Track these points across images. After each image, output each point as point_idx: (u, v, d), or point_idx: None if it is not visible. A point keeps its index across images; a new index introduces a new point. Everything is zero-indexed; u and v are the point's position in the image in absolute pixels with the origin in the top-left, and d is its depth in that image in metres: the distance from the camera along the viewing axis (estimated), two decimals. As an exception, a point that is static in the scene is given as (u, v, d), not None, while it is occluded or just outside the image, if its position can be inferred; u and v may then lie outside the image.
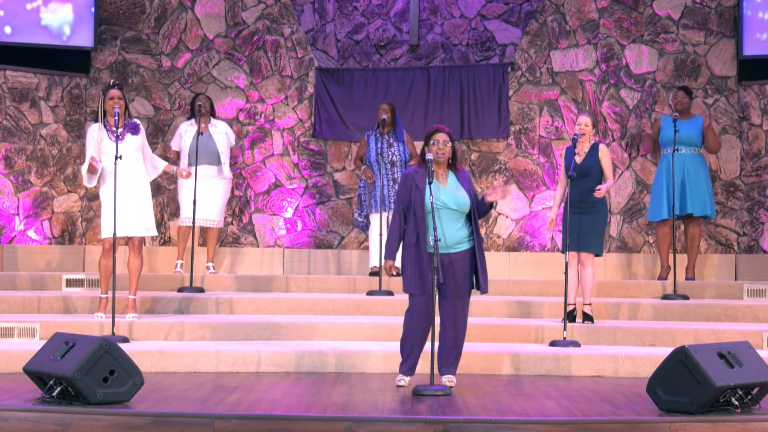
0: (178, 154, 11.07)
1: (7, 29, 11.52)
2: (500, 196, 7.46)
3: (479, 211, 7.44)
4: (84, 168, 9.03)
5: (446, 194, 7.34)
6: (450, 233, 7.32)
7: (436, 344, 7.28)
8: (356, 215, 11.00)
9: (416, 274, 7.30)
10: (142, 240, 9.18)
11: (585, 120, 9.29)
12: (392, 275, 7.52)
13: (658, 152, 11.12)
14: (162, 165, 9.31)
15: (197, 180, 10.53)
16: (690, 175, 10.73)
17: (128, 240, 9.09)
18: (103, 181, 9.04)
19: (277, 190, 11.98)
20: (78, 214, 11.85)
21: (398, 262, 8.46)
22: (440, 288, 7.25)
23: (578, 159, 9.20)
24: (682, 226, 11.09)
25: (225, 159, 10.87)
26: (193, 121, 10.92)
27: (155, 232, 9.20)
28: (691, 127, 10.79)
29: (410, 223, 7.36)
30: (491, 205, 7.46)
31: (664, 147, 10.86)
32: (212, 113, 11.06)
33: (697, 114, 11.18)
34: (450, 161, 7.43)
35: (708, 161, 11.32)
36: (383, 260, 7.55)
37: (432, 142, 7.40)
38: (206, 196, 10.69)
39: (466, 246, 7.38)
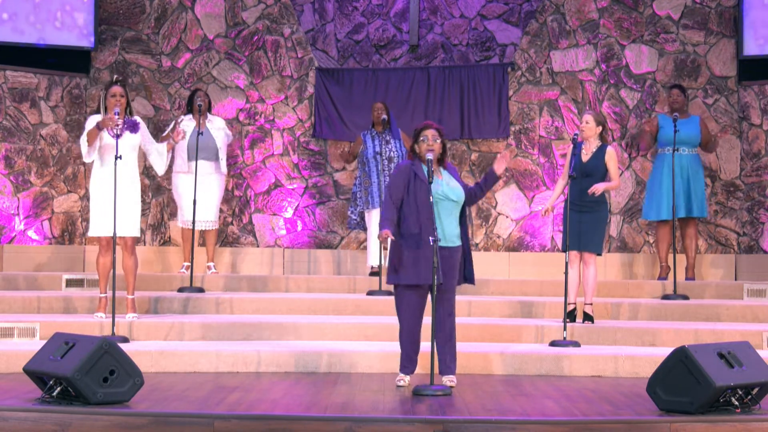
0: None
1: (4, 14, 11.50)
2: (507, 161, 7.47)
3: (487, 183, 7.49)
4: (88, 127, 8.94)
5: (444, 186, 7.36)
6: (448, 226, 7.33)
7: (436, 344, 7.29)
8: (349, 212, 11.00)
9: (414, 265, 7.26)
10: (135, 240, 9.17)
11: (586, 118, 9.27)
12: (384, 239, 7.22)
13: (655, 151, 11.11)
14: (163, 147, 9.24)
15: (196, 177, 10.54)
16: (690, 176, 10.71)
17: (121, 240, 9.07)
18: (95, 177, 9.04)
19: (277, 190, 11.98)
20: (78, 214, 11.85)
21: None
22: (438, 286, 7.24)
23: (584, 158, 9.18)
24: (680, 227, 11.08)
25: (223, 155, 10.89)
26: (190, 116, 10.93)
27: (138, 233, 9.18)
28: (689, 126, 10.78)
29: (410, 214, 7.30)
30: (498, 178, 7.48)
31: (663, 146, 10.85)
32: (209, 109, 11.07)
33: (692, 113, 11.18)
34: (440, 157, 7.43)
35: (707, 161, 11.32)
36: (382, 230, 7.25)
37: (422, 138, 7.38)
38: (202, 195, 10.67)
39: (458, 242, 7.44)
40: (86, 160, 9.07)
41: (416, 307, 7.39)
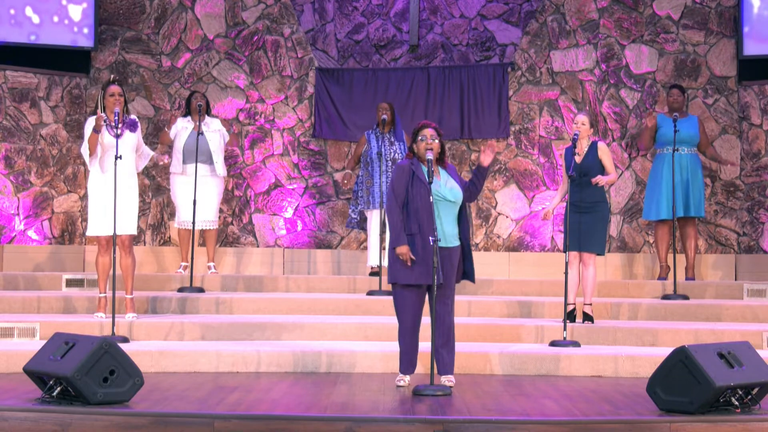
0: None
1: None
2: (491, 154, 7.39)
3: (479, 177, 7.46)
4: (88, 129, 8.96)
5: (443, 186, 7.36)
6: (447, 226, 7.34)
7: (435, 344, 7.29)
8: (350, 211, 11.01)
9: (412, 264, 7.24)
10: (132, 238, 9.17)
11: (582, 119, 9.31)
12: (412, 260, 7.23)
13: (654, 151, 11.11)
14: (150, 153, 9.32)
15: (196, 179, 10.53)
16: (689, 176, 10.72)
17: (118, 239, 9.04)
18: (93, 178, 9.05)
19: (277, 190, 11.98)
20: (78, 214, 11.85)
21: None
22: (438, 285, 7.24)
23: (578, 159, 9.22)
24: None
25: (217, 157, 10.80)
26: (189, 118, 10.90)
27: (135, 231, 9.17)
28: (688, 126, 10.78)
29: (409, 214, 7.30)
30: (487, 169, 7.46)
31: (662, 146, 10.85)
32: (207, 111, 11.04)
33: (691, 113, 11.19)
34: (439, 156, 7.43)
35: (707, 161, 11.32)
36: (398, 246, 7.23)
37: (420, 137, 7.39)
38: (199, 196, 10.66)
39: (457, 242, 7.43)
40: (91, 167, 9.10)
41: (415, 307, 7.38)
